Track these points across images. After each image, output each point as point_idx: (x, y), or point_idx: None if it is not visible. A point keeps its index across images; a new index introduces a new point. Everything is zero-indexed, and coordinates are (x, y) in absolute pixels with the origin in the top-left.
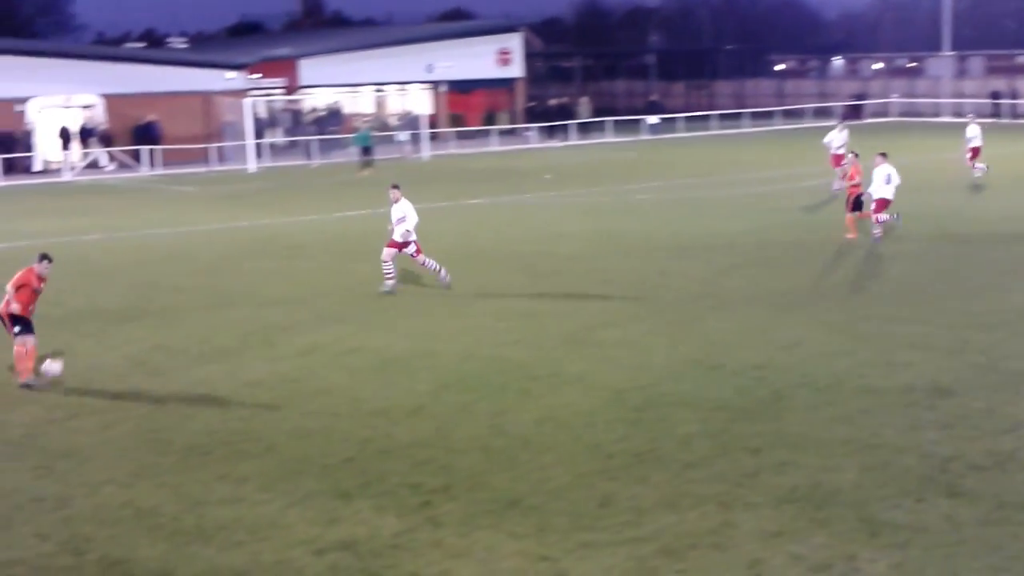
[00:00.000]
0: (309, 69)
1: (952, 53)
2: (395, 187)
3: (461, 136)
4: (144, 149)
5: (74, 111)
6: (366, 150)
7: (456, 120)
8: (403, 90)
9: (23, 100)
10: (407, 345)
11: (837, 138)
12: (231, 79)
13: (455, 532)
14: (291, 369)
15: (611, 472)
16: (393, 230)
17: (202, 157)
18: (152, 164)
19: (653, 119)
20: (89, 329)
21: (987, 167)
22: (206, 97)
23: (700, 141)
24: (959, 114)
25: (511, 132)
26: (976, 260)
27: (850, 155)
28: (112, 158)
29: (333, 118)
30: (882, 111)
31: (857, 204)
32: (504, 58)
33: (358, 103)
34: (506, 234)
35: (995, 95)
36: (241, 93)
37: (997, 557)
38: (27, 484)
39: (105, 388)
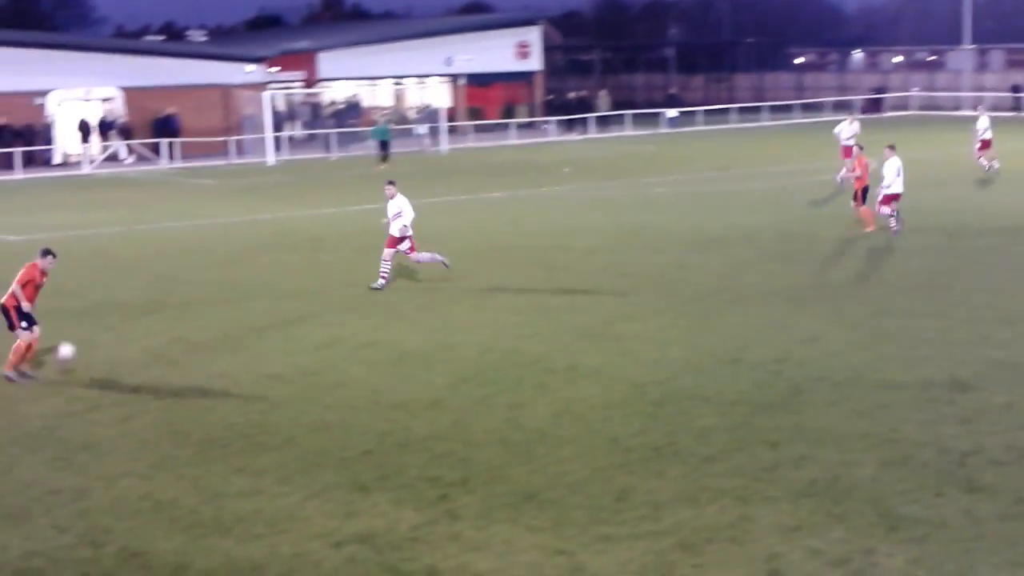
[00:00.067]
0: (328, 62)
1: (972, 46)
2: (390, 183)
3: (480, 129)
4: (163, 142)
5: (94, 104)
6: (383, 143)
7: (475, 113)
8: (422, 83)
9: (43, 93)
10: (425, 338)
11: (847, 130)
12: (250, 72)
13: (473, 525)
14: (310, 362)
15: (629, 466)
16: (389, 224)
17: (221, 150)
18: (171, 157)
19: (672, 112)
20: (109, 322)
21: (988, 166)
22: (225, 90)
23: (719, 135)
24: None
25: (530, 125)
26: (995, 254)
27: (855, 148)
28: (131, 151)
29: (352, 111)
30: (902, 105)
31: (863, 196)
32: (523, 51)
33: (377, 96)
34: (524, 228)
35: (1015, 88)
36: (260, 86)
37: (1016, 552)
38: (46, 476)
39: (124, 381)
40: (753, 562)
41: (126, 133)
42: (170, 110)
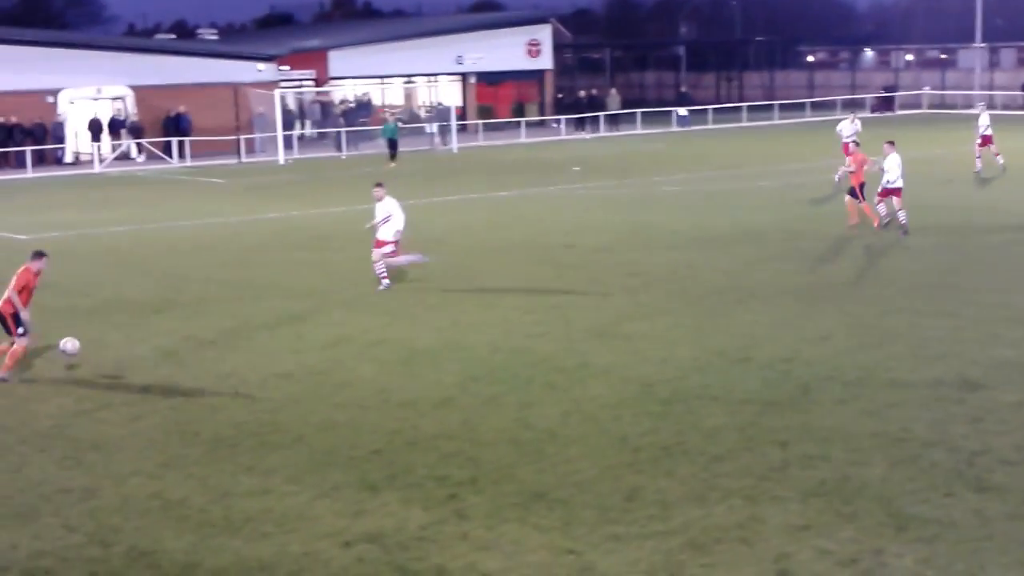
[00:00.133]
0: (339, 61)
1: (984, 45)
2: (379, 185)
3: (490, 128)
4: (174, 141)
5: (104, 103)
6: (392, 142)
7: (485, 112)
8: (432, 81)
9: (54, 92)
10: (434, 337)
11: (848, 128)
12: (261, 71)
13: (481, 525)
14: (319, 361)
15: (638, 465)
16: (376, 228)
17: (232, 149)
18: (182, 156)
19: (682, 111)
20: (119, 320)
21: (980, 167)
22: (236, 89)
23: (730, 133)
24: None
25: (540, 124)
26: (1004, 253)
27: (851, 144)
28: (142, 150)
29: (363, 110)
30: (913, 103)
31: (861, 192)
32: (533, 49)
33: (387, 95)
34: (534, 226)
35: None
36: (271, 85)
37: None
38: (55, 475)
39: (134, 380)
40: (762, 562)
41: (137, 132)
42: (181, 109)
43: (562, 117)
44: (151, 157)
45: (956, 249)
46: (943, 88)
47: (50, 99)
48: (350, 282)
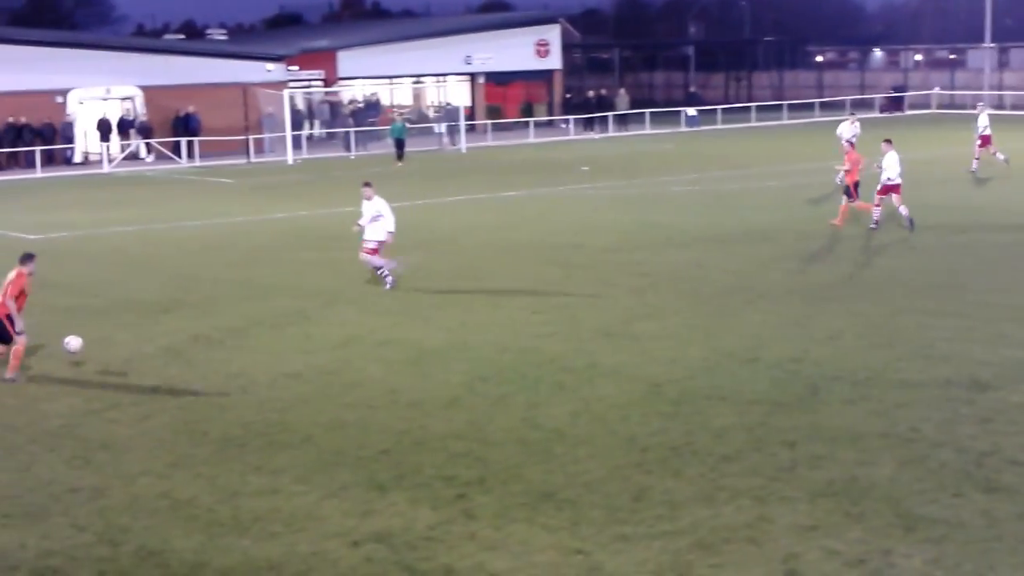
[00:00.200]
0: (347, 61)
1: (993, 45)
2: (367, 184)
3: (498, 128)
4: (183, 141)
5: (113, 103)
6: (399, 142)
7: (494, 112)
8: (441, 82)
9: (63, 92)
10: (442, 337)
11: (848, 130)
12: (270, 71)
13: (489, 525)
14: (327, 361)
15: (646, 465)
16: (363, 228)
17: (241, 149)
18: (191, 156)
19: (691, 111)
20: (127, 320)
21: (976, 167)
22: (245, 89)
23: (739, 133)
24: (1000, 106)
25: (548, 124)
26: (1013, 252)
27: (845, 144)
28: (151, 150)
29: (371, 110)
30: (922, 103)
31: (856, 191)
32: (542, 50)
33: (396, 95)
34: (542, 226)
35: None
36: (280, 85)
37: None
38: (64, 474)
39: (143, 379)
40: (770, 562)
41: (146, 132)
42: (190, 109)
43: (571, 117)
44: (160, 157)
45: (964, 249)
46: (952, 88)
47: (59, 99)
48: (358, 282)
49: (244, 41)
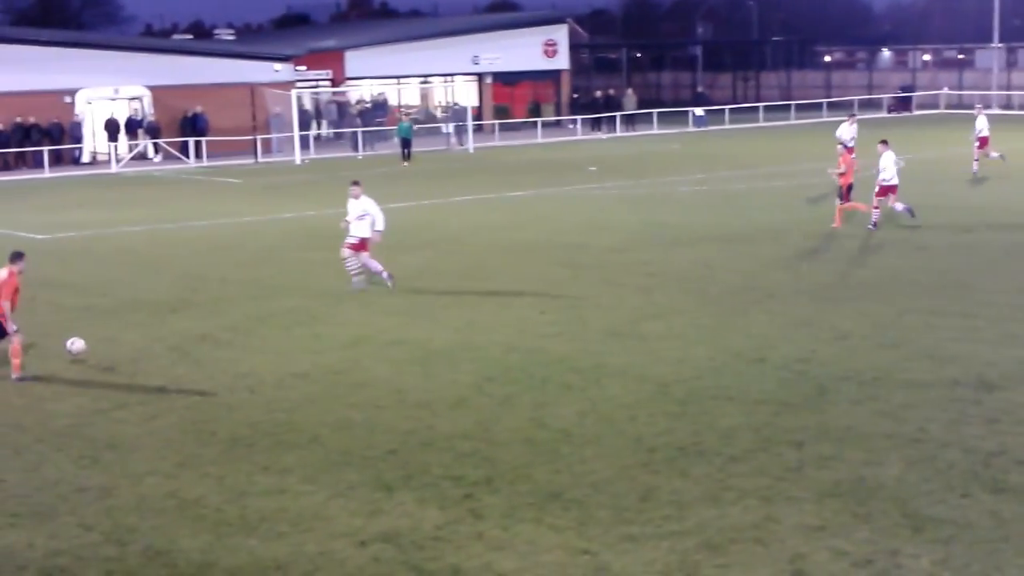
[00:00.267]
0: (355, 61)
1: (1001, 45)
2: (355, 183)
3: (506, 128)
4: (191, 141)
5: (121, 103)
6: (406, 142)
7: (501, 112)
8: (449, 82)
9: (71, 92)
10: (450, 337)
11: (848, 131)
12: (278, 71)
13: (497, 525)
14: (335, 361)
15: (653, 465)
16: (348, 226)
17: (248, 149)
18: (198, 156)
19: (699, 111)
20: (136, 320)
21: (976, 169)
22: (253, 89)
23: (746, 133)
24: (1008, 106)
25: (556, 124)
26: (1020, 252)
27: (839, 147)
28: (159, 150)
29: (379, 110)
30: (931, 103)
31: (847, 193)
32: (550, 50)
33: (404, 95)
34: (549, 226)
35: None
36: (287, 85)
37: None
38: (72, 474)
39: (150, 379)
40: (777, 562)
41: (154, 132)
42: (198, 109)
43: (578, 117)
44: (168, 157)
45: (971, 249)
46: (960, 88)
47: (67, 99)
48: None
49: (252, 41)
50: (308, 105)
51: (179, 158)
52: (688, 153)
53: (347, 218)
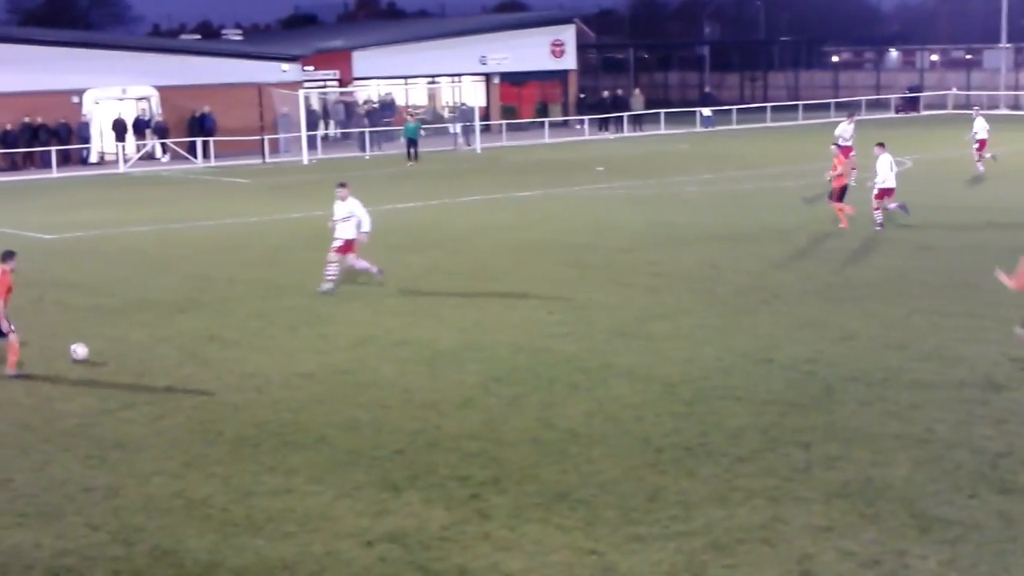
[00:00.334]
0: (363, 61)
1: (1009, 45)
2: (342, 185)
3: (513, 128)
4: (198, 141)
5: (129, 103)
6: (412, 142)
7: (508, 112)
8: (456, 82)
9: (79, 92)
10: (457, 337)
11: (848, 130)
12: (285, 71)
13: (504, 525)
14: (342, 361)
15: (660, 466)
16: (335, 228)
17: (256, 149)
18: (206, 156)
19: (706, 111)
20: (143, 319)
21: (983, 170)
22: (260, 89)
23: (754, 133)
24: (1016, 107)
25: (563, 124)
26: None
27: (832, 147)
28: (166, 150)
29: (386, 110)
30: (938, 103)
31: (840, 194)
32: (557, 50)
33: (411, 95)
34: (557, 226)
35: None
36: (295, 85)
37: None
38: (79, 474)
39: (157, 379)
40: (784, 563)
41: (161, 132)
42: (205, 109)
43: (586, 117)
44: (175, 157)
45: (977, 249)
46: (968, 89)
47: (75, 99)
48: (373, 282)
49: (259, 41)
50: (316, 105)
51: (187, 158)
52: (695, 153)
53: (333, 219)
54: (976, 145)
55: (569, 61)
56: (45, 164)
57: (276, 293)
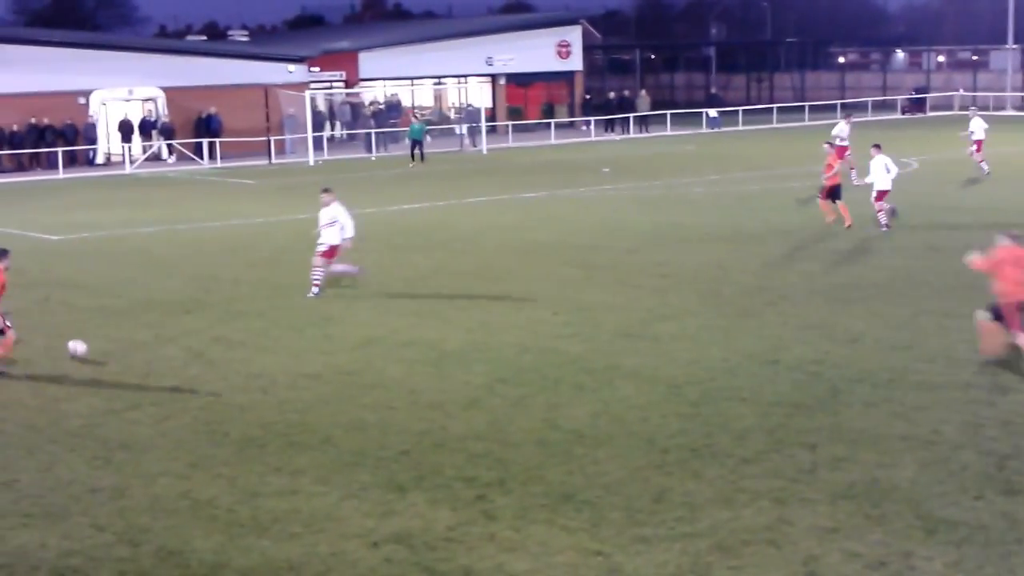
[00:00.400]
0: (369, 62)
1: (1016, 46)
2: (326, 191)
3: (519, 129)
4: (204, 142)
5: (136, 104)
6: (417, 143)
7: (515, 113)
8: (462, 83)
9: (86, 93)
10: (463, 338)
11: (846, 130)
12: (292, 72)
13: (509, 526)
14: (348, 361)
15: (666, 467)
16: (320, 233)
17: (262, 150)
18: (212, 157)
19: (712, 112)
20: (148, 320)
21: (988, 169)
22: (267, 90)
23: (760, 134)
24: (1023, 108)
25: (569, 125)
26: None
27: (825, 145)
28: (172, 151)
29: (392, 111)
30: (945, 104)
31: (833, 194)
32: (563, 51)
33: (417, 96)
34: (563, 227)
35: None
36: (301, 86)
37: None
38: (84, 474)
39: (163, 379)
40: (790, 564)
41: (168, 133)
42: (211, 110)
43: (592, 118)
44: (182, 158)
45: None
46: (975, 89)
47: (82, 100)
48: (379, 283)
49: (266, 42)
50: (322, 106)
51: (193, 159)
52: (702, 154)
53: (320, 226)
54: (973, 146)
55: (575, 62)
56: (51, 165)
57: (282, 294)
